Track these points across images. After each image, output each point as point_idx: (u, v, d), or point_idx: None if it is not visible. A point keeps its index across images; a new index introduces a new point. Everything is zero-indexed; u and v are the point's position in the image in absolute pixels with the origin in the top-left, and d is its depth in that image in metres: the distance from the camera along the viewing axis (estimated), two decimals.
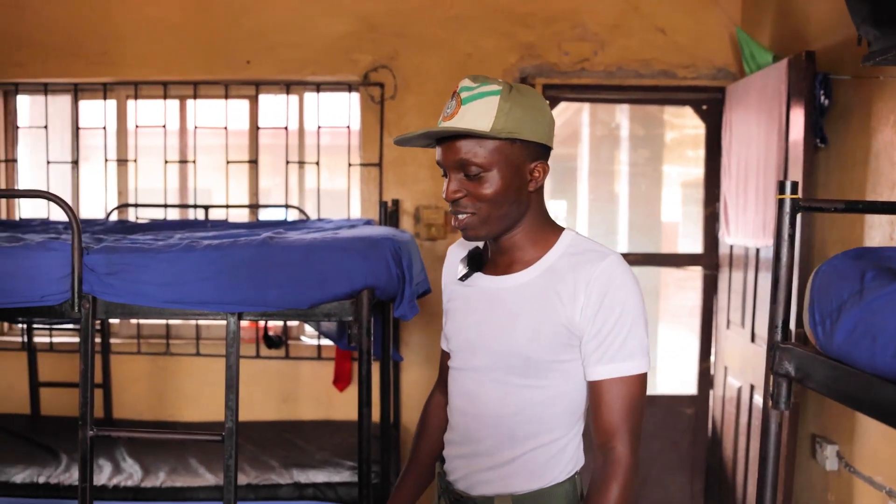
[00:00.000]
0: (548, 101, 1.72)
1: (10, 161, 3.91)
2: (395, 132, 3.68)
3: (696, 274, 3.94)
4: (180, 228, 2.89)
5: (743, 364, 3.38)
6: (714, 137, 3.72)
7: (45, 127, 3.81)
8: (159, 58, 3.73)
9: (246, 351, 3.81)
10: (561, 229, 1.46)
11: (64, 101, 3.91)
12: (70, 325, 3.70)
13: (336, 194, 4.39)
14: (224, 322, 3.78)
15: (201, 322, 3.86)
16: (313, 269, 1.86)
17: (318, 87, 3.78)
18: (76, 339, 3.76)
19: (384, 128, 3.71)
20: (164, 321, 3.87)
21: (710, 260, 3.82)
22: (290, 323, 3.88)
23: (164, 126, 3.79)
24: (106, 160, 3.84)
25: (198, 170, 3.83)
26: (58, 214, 3.65)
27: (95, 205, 3.99)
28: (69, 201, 3.72)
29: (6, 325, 4.09)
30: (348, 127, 3.78)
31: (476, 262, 1.48)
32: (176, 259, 1.87)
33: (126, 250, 1.92)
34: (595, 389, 1.36)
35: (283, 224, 3.16)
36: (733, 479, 3.49)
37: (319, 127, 3.79)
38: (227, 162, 3.79)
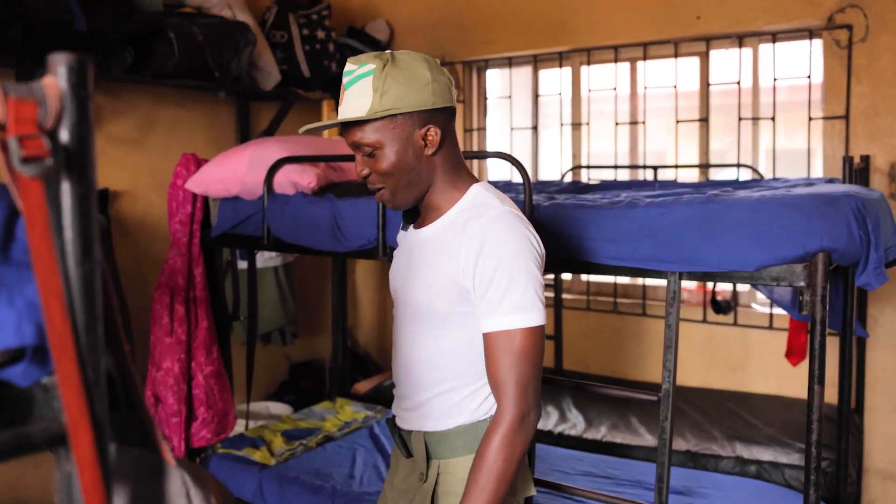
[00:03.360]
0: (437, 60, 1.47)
1: (481, 129, 4.38)
2: (867, 79, 3.20)
3: None
4: (628, 188, 2.91)
5: None
6: None
7: (510, 97, 4.17)
8: (611, 23, 3.79)
9: (692, 315, 3.72)
10: (471, 184, 1.48)
11: (525, 72, 4.23)
12: None
13: (793, 153, 4.01)
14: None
15: (648, 282, 3.88)
16: (760, 228, 1.70)
17: (774, 36, 3.46)
18: None
19: (851, 75, 3.24)
20: (612, 280, 3.98)
21: None
22: (740, 288, 3.67)
23: (614, 89, 3.86)
24: (561, 125, 4.06)
25: (647, 131, 3.82)
26: (519, 177, 3.98)
27: (552, 167, 4.26)
28: (529, 164, 4.05)
29: None
30: (808, 78, 3.39)
31: (409, 216, 1.57)
32: (619, 216, 1.88)
33: (571, 207, 1.99)
34: (484, 342, 1.39)
35: (734, 184, 2.97)
36: None
37: (775, 80, 3.47)
38: (677, 122, 3.71)
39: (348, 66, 1.42)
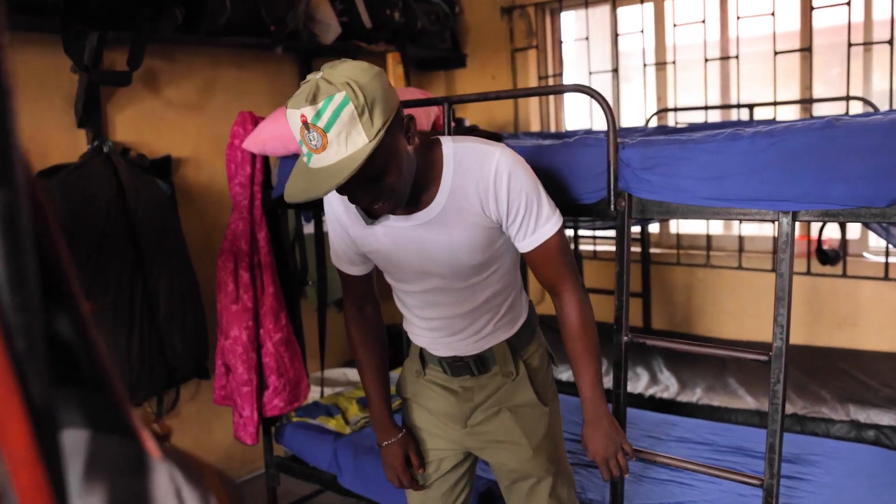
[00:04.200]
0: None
1: (556, 76, 4.10)
2: None
3: None
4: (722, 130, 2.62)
5: None
6: None
7: (586, 39, 3.87)
8: None
9: (796, 267, 3.39)
10: (439, 147, 1.51)
11: (602, 11, 3.92)
12: (612, 234, 3.77)
13: None
14: (769, 231, 3.49)
15: (744, 233, 3.57)
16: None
17: None
18: None
19: None
20: (703, 232, 3.68)
21: None
22: (849, 236, 3.32)
23: (703, 21, 3.51)
24: (644, 66, 3.75)
25: (741, 66, 3.47)
26: (599, 123, 3.70)
27: (635, 114, 3.95)
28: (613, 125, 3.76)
29: None
30: None
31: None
32: (718, 149, 1.62)
33: (663, 143, 1.74)
34: (529, 257, 1.57)
35: (845, 119, 2.64)
36: None
37: None
38: (775, 53, 3.34)
39: (308, 110, 1.28)
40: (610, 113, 1.73)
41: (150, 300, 2.98)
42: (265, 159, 2.72)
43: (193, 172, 3.32)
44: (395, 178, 1.38)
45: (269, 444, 2.93)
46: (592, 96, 1.77)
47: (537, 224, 1.51)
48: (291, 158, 2.59)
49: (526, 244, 1.54)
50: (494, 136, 2.21)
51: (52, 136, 2.82)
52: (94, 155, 2.84)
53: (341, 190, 1.38)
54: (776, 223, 1.60)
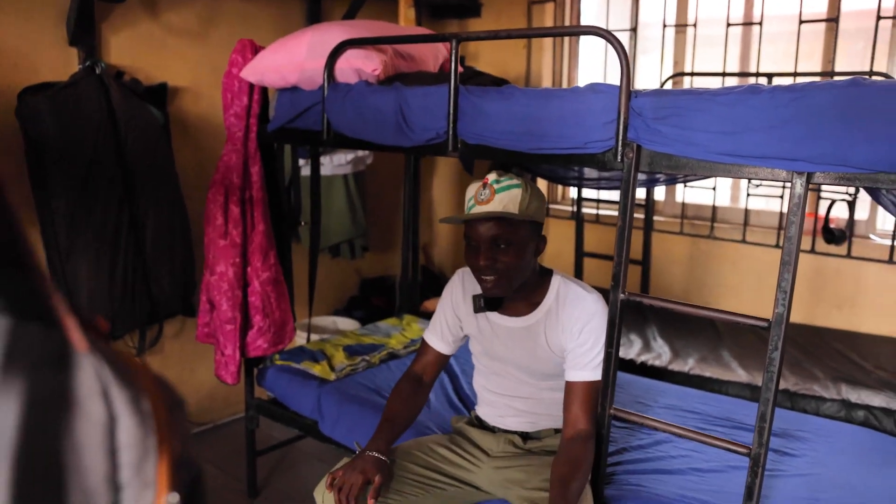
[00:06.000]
0: None
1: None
2: None
3: None
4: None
5: None
6: None
7: None
8: None
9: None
10: (550, 276, 1.90)
11: None
12: (615, 196, 3.68)
13: None
14: (775, 206, 3.40)
15: (751, 206, 3.48)
16: None
17: None
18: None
19: None
20: (709, 203, 3.60)
21: None
22: (857, 216, 3.24)
23: None
24: (664, 26, 3.62)
25: (763, 32, 3.34)
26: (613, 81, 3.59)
27: (651, 75, 3.83)
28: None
29: (559, 193, 4.30)
30: None
31: (491, 304, 1.90)
32: (736, 102, 1.53)
33: (678, 93, 1.65)
34: (569, 387, 1.83)
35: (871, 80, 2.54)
36: None
37: None
38: (801, 22, 3.22)
39: (494, 177, 1.77)
40: (624, 56, 1.64)
41: (138, 231, 2.90)
42: (263, 91, 2.63)
43: (191, 103, 3.22)
44: (513, 260, 1.76)
45: (250, 385, 2.88)
46: (607, 39, 1.68)
47: (587, 365, 1.80)
48: (289, 91, 2.50)
49: (573, 374, 1.82)
50: (500, 82, 2.12)
51: (42, 52, 2.72)
52: (85, 75, 2.73)
53: (476, 230, 1.76)
54: (787, 189, 1.52)
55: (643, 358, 2.94)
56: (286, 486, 2.98)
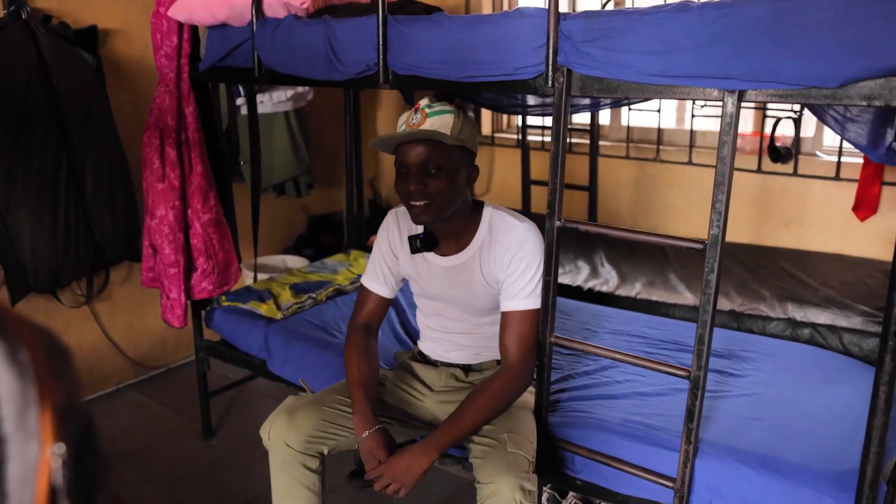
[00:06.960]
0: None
1: None
2: None
3: None
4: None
5: None
6: None
7: None
8: None
9: (746, 163, 3.34)
10: (481, 209, 1.88)
11: None
12: None
13: None
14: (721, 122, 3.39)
15: (696, 127, 3.47)
16: (854, 30, 1.30)
17: None
18: (569, 141, 3.71)
19: None
20: (654, 126, 3.58)
21: None
22: (803, 134, 3.25)
23: None
24: None
25: None
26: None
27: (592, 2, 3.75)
28: None
29: (504, 122, 4.25)
30: None
31: (428, 244, 1.88)
32: (665, 21, 1.49)
33: (607, 14, 1.60)
34: (504, 317, 1.83)
35: None
36: None
37: None
38: None
39: (424, 101, 1.75)
40: None
41: (77, 178, 2.81)
42: (193, 30, 2.52)
43: (123, 45, 3.09)
44: (444, 187, 1.73)
45: (198, 327, 2.84)
46: None
47: (521, 293, 1.79)
48: (219, 28, 2.39)
49: (508, 304, 1.81)
50: (432, 10, 2.04)
51: None
52: (10, 21, 2.62)
53: (406, 154, 1.73)
54: (722, 103, 1.50)
55: (590, 284, 2.96)
56: (240, 426, 2.99)
